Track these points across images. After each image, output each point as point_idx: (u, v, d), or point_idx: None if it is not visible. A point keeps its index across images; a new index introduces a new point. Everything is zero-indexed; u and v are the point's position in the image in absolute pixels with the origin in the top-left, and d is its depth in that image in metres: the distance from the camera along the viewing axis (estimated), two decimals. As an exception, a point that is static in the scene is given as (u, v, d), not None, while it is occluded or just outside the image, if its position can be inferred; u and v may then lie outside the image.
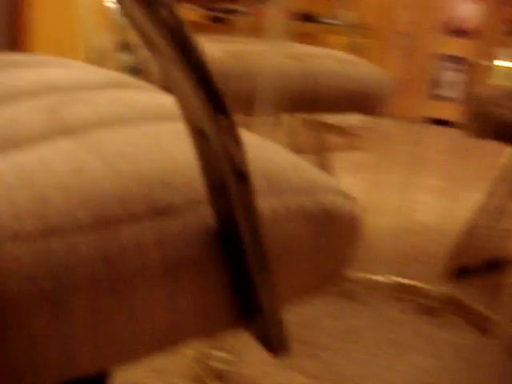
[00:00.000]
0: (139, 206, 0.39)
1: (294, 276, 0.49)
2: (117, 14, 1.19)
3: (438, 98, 3.53)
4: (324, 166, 1.71)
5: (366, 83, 1.38)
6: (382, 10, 3.28)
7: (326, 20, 2.67)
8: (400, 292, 1.45)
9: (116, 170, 0.41)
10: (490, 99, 1.31)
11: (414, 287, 1.44)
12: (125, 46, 1.18)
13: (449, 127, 3.21)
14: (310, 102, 1.31)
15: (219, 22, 2.53)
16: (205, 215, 0.41)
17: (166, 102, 0.61)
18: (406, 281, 1.47)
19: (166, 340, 0.42)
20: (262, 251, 0.41)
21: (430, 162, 2.72)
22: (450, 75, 3.48)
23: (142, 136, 0.49)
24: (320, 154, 1.72)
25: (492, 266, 1.67)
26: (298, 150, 1.78)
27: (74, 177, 0.39)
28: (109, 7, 1.20)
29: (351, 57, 1.45)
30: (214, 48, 1.26)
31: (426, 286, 1.42)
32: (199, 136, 0.40)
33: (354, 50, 1.78)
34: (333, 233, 0.50)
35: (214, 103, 0.36)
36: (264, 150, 0.52)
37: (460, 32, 3.35)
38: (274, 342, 0.47)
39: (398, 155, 2.79)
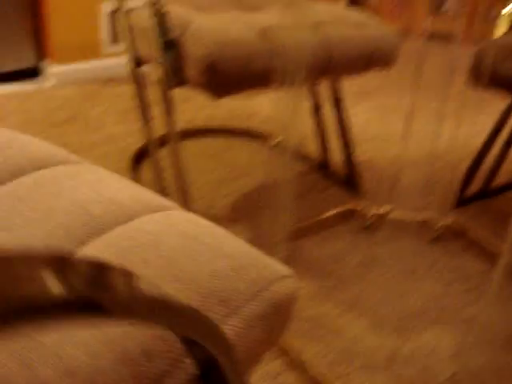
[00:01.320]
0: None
1: (253, 359, 0.60)
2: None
3: (438, 11, 3.57)
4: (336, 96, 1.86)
5: (377, 43, 1.51)
6: None
7: None
8: (415, 223, 1.66)
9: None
10: (497, 52, 1.44)
11: (427, 218, 1.64)
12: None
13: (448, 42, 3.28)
14: (328, 68, 1.46)
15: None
16: (188, 369, 0.49)
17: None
18: (418, 212, 1.67)
19: None
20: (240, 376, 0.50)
21: (431, 83, 2.84)
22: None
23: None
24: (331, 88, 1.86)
25: (498, 192, 1.86)
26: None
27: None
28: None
29: (363, 17, 1.57)
30: (240, 27, 1.39)
31: (437, 217, 1.62)
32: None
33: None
34: (279, 315, 0.60)
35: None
36: (206, 258, 0.58)
37: None
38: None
39: (402, 76, 2.91)
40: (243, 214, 1.69)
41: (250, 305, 0.56)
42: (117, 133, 2.04)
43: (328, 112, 1.90)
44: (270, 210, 1.35)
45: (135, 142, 1.97)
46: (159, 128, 1.65)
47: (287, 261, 1.48)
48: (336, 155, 1.88)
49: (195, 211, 1.61)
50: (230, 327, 0.54)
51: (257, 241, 1.58)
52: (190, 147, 1.97)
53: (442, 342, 1.31)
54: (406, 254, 1.56)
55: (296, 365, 1.22)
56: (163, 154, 1.70)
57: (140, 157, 1.89)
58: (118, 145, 1.97)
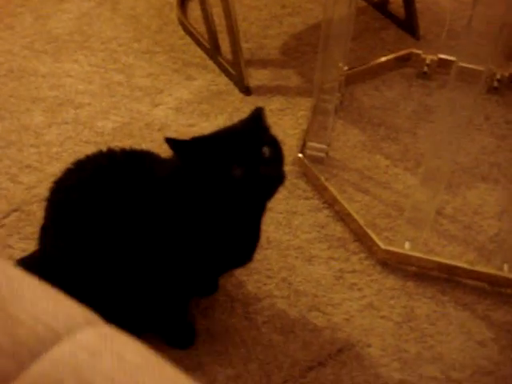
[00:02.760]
0: None
1: None
2: None
3: None
4: None
5: None
6: None
7: None
8: (472, 73, 1.55)
9: None
10: None
11: (486, 68, 1.53)
12: None
13: None
14: None
15: None
16: None
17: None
18: (478, 61, 1.55)
19: None
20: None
21: None
22: None
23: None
24: None
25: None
26: None
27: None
28: None
29: None
30: None
31: (496, 67, 1.51)
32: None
33: None
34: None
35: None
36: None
37: None
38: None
39: None
40: (294, 56, 1.60)
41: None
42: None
43: None
44: (322, 52, 1.27)
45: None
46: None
47: (338, 109, 1.43)
48: (395, -8, 1.72)
49: (244, 53, 1.54)
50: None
51: (307, 86, 1.51)
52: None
53: (489, 201, 1.28)
54: (461, 105, 1.48)
55: (342, 216, 1.22)
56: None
57: (187, -9, 1.77)
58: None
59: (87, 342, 0.47)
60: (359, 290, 1.11)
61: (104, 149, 0.97)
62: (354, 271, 1.14)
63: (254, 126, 0.88)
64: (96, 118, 1.41)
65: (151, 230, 0.88)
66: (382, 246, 1.13)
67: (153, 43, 1.63)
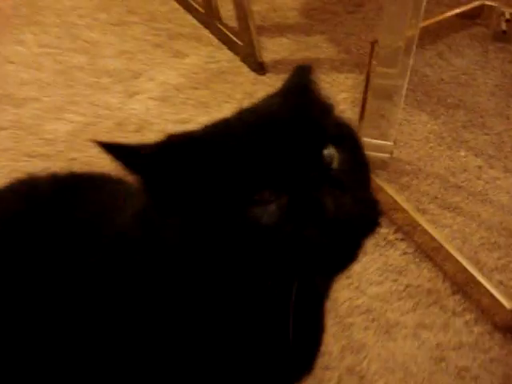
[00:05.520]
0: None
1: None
2: None
3: None
4: None
5: None
6: None
7: None
8: None
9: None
10: None
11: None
12: None
13: None
14: None
15: None
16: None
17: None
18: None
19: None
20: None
21: None
22: None
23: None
24: None
25: None
26: None
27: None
28: None
29: None
30: None
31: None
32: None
33: None
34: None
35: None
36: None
37: None
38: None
39: None
40: (320, 18, 1.14)
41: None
42: None
43: None
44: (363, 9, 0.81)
45: None
46: None
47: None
48: None
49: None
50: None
51: (344, 58, 1.05)
52: None
53: None
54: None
55: (427, 250, 0.76)
56: None
57: None
58: None
59: None
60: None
61: (25, 176, 0.51)
62: (460, 347, 0.68)
63: (299, 105, 0.40)
64: (45, 119, 0.95)
65: (115, 316, 0.41)
66: (507, 305, 0.68)
67: (125, 12, 1.18)
